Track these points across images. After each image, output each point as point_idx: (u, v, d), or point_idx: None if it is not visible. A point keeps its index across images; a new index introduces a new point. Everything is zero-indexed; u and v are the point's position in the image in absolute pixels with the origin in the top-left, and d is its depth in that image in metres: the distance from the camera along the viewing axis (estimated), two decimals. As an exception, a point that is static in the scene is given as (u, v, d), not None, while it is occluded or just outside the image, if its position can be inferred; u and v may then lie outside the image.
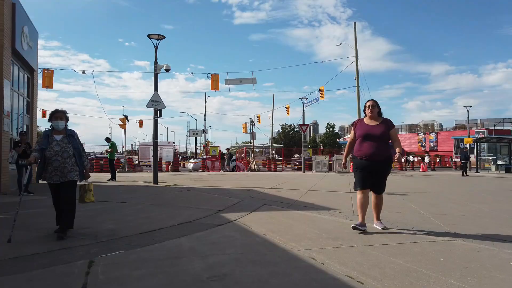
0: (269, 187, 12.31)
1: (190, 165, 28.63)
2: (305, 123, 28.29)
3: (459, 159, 54.48)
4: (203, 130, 56.65)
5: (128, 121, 26.45)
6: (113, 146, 15.46)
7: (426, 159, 31.63)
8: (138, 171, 24.92)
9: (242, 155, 43.72)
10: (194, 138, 56.81)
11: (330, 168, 25.84)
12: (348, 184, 13.82)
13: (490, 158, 30.37)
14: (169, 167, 27.53)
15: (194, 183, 14.02)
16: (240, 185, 13.05)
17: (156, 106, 13.44)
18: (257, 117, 46.57)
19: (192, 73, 36.59)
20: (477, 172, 26.15)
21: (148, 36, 13.38)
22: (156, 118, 13.63)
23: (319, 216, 6.44)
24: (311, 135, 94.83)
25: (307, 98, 26.87)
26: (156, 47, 13.57)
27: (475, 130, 70.68)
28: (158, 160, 28.66)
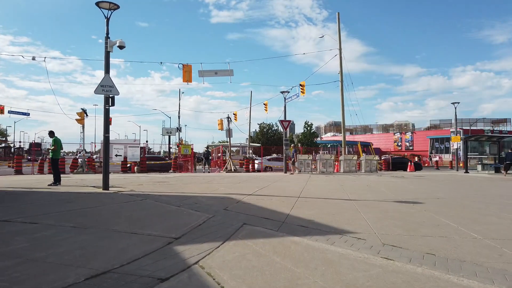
0: (249, 193, 9.89)
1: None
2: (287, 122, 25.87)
3: (436, 158, 54.14)
4: (177, 128, 53.50)
5: (86, 115, 23.33)
6: (56, 143, 12.56)
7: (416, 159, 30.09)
8: (98, 173, 21.87)
9: (219, 154, 41.10)
10: (168, 137, 53.63)
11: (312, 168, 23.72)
12: (342, 189, 11.59)
13: (476, 157, 29.09)
14: (135, 167, 24.61)
15: (156, 188, 11.40)
16: (213, 191, 10.56)
17: (107, 92, 10.73)
18: (233, 114, 44.15)
19: (161, 62, 33.53)
20: (466, 172, 24.70)
21: (97, 4, 10.63)
22: (107, 107, 10.91)
23: (332, 249, 4.06)
24: (289, 135, 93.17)
25: (288, 92, 24.62)
26: (108, 19, 10.85)
27: (450, 130, 71.20)
28: (123, 160, 25.86)
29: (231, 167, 24.87)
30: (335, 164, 24.32)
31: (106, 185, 10.79)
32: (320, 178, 17.43)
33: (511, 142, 27.20)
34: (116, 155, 24.74)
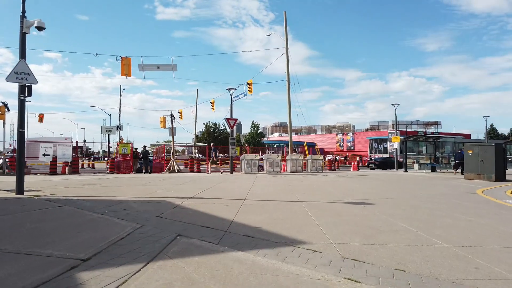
0: (190, 196, 8.90)
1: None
2: (234, 121, 25.03)
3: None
4: (118, 126, 50.27)
5: (8, 110, 20.57)
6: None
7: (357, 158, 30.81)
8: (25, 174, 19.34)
9: (163, 154, 39.13)
10: (107, 135, 50.20)
11: (260, 168, 23.14)
12: (290, 189, 11.01)
13: (412, 157, 30.51)
14: (66, 168, 22.25)
15: (83, 191, 9.93)
16: (149, 194, 9.40)
17: (23, 80, 9.10)
18: (178, 112, 42.39)
19: (96, 54, 30.19)
20: (406, 171, 25.69)
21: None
22: (22, 97, 9.27)
23: (284, 269, 3.27)
24: (236, 135, 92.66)
25: (235, 89, 23.82)
26: (22, -7, 9.22)
27: (388, 131, 75.38)
28: (52, 159, 23.23)
29: (174, 168, 23.47)
30: (282, 164, 23.98)
31: (20, 189, 9.16)
32: (267, 178, 16.84)
33: (445, 142, 28.94)
34: (44, 155, 22.22)
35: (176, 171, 23.13)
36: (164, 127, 25.06)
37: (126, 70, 21.32)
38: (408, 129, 70.67)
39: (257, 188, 11.38)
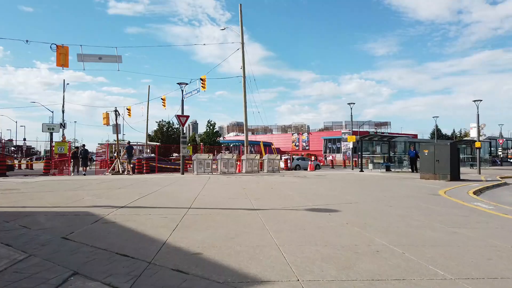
0: (123, 204, 7.33)
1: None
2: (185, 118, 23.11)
3: (330, 158, 57.36)
4: (61, 124, 46.20)
5: None
6: None
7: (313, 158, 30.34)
8: None
9: (114, 154, 36.31)
10: (50, 134, 45.93)
11: (214, 169, 21.71)
12: (244, 193, 9.75)
13: (367, 156, 30.59)
14: (-10, 170, 19.35)
15: (-13, 200, 7.96)
16: (73, 202, 7.67)
17: None
18: (127, 109, 39.62)
19: (27, 40, 25.57)
20: (361, 171, 25.48)
21: None
22: None
23: None
24: (191, 134, 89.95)
25: (187, 84, 22.13)
26: None
27: (342, 131, 76.98)
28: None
29: (118, 169, 21.33)
30: (237, 164, 22.69)
31: None
32: (221, 180, 15.46)
33: (398, 142, 29.28)
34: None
35: (121, 172, 21.03)
36: (108, 124, 22.75)
37: (62, 60, 18.99)
38: (360, 129, 72.48)
39: (207, 193, 9.99)
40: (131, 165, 21.40)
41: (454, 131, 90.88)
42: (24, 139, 78.87)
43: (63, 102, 46.61)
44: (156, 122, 63.89)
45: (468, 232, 5.06)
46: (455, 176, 16.04)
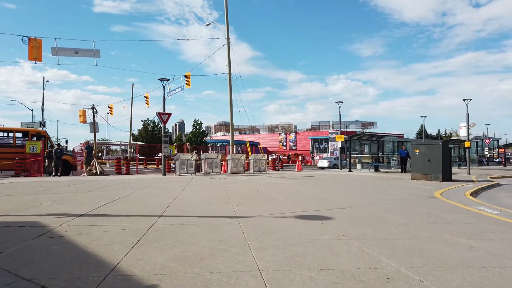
0: (84, 212, 6.33)
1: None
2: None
3: (317, 157, 56.81)
4: (41, 123, 44.39)
5: None
6: None
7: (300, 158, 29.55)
8: None
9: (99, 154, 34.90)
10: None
11: (198, 169, 20.69)
12: (227, 196, 8.83)
13: (355, 156, 30.00)
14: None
15: None
16: (26, 209, 6.61)
17: None
18: (109, 107, 38.13)
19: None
20: (350, 171, 24.82)
21: None
22: None
23: None
24: (178, 134, 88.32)
25: (169, 80, 21.01)
26: None
27: (329, 131, 76.65)
28: None
29: (96, 169, 20.11)
30: (222, 164, 21.72)
31: None
32: (203, 181, 14.48)
33: (387, 141, 28.76)
34: None
35: (98, 173, 19.82)
36: (84, 122, 21.45)
37: (35, 54, 17.82)
38: (347, 129, 72.26)
39: (186, 196, 9.03)
40: (90, 166, 20.25)
41: (439, 131, 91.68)
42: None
43: (43, 100, 44.80)
44: (142, 121, 62.24)
45: (486, 245, 4.26)
46: (447, 176, 15.46)
